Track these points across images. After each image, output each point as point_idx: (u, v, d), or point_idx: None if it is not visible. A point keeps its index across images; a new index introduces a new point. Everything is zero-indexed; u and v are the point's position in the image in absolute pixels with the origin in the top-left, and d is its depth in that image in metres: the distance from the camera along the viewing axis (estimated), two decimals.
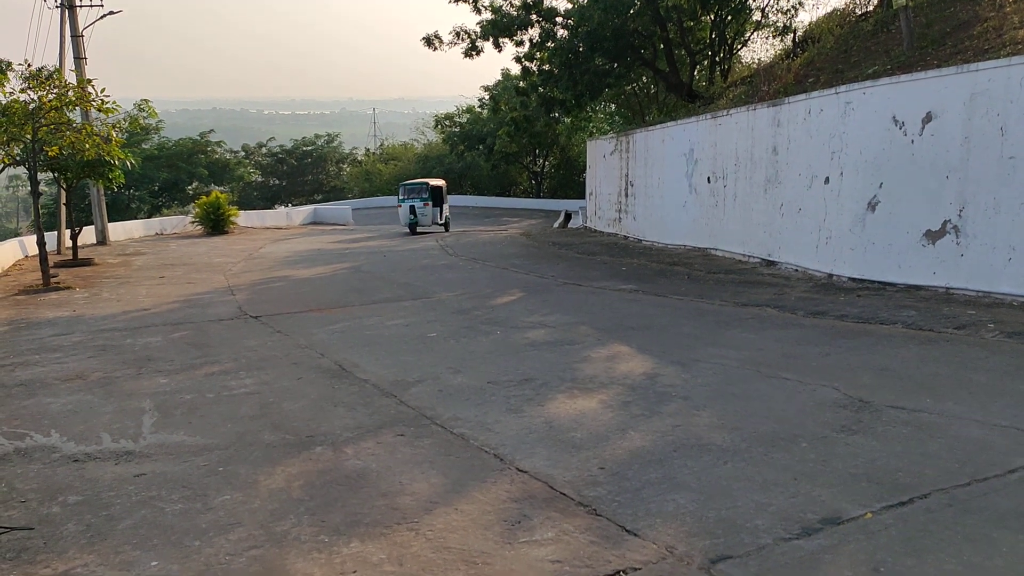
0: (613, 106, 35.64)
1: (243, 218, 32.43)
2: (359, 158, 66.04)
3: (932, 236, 10.32)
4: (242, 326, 10.71)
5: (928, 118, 10.28)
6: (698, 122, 17.49)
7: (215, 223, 29.46)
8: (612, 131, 29.86)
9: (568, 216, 30.44)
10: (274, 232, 31.03)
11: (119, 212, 37.65)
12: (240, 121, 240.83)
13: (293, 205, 49.55)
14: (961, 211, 9.90)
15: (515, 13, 22.51)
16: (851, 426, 5.39)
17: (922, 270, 10.51)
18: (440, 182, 29.31)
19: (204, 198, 31.06)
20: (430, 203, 27.51)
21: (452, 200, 49.22)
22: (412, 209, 27.19)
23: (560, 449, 5.27)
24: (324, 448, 5.48)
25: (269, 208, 46.49)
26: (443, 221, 28.40)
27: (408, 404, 6.53)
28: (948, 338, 7.98)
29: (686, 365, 7.43)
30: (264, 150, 61.76)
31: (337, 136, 65.72)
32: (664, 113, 25.17)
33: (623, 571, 3.62)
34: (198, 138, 49.78)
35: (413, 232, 27.06)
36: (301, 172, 62.06)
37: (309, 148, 62.61)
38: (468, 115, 48.89)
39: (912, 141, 10.52)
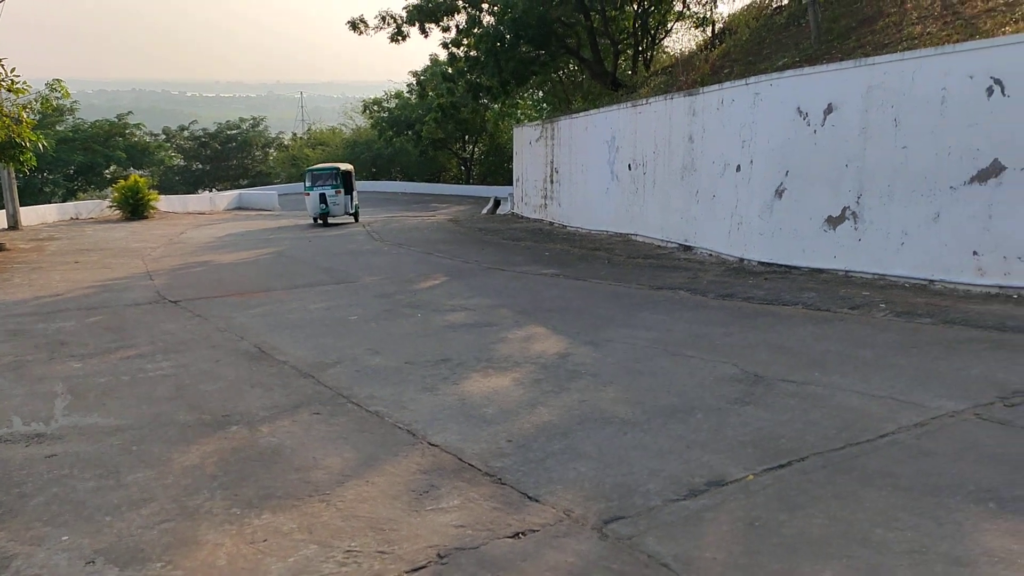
0: (540, 93, 35.91)
1: (164, 203, 31.66)
2: (286, 143, 64.94)
3: (833, 222, 10.87)
4: (160, 311, 10.61)
5: (829, 109, 10.80)
6: (620, 110, 17.87)
7: (134, 208, 28.72)
8: (539, 118, 30.14)
9: (497, 202, 30.64)
10: (197, 217, 30.41)
11: (32, 196, 36.22)
12: (161, 103, 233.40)
13: (217, 190, 48.45)
14: (859, 198, 10.45)
15: None
16: (744, 398, 5.74)
17: (824, 254, 11.06)
18: (349, 167, 27.17)
19: (122, 182, 30.22)
20: (342, 190, 25.22)
21: (381, 186, 49.01)
22: (323, 197, 24.84)
23: (471, 424, 5.48)
24: (239, 427, 5.58)
25: (192, 193, 45.37)
26: (353, 210, 26.23)
27: (325, 384, 6.65)
28: (842, 318, 8.47)
29: (598, 345, 7.72)
30: (186, 133, 60.16)
31: (263, 120, 64.46)
32: (588, 101, 25.56)
33: (522, 533, 3.85)
34: (115, 120, 48.15)
35: (324, 223, 25.01)
36: (226, 156, 60.71)
37: (234, 132, 61.24)
38: (397, 100, 48.55)
39: (815, 131, 11.04)
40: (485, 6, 22.39)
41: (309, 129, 67.02)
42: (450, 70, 25.71)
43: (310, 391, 6.49)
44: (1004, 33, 9.77)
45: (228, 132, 61.02)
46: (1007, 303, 8.44)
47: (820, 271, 11.11)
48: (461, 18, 22.97)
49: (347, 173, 25.95)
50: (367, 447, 5.13)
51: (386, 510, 4.14)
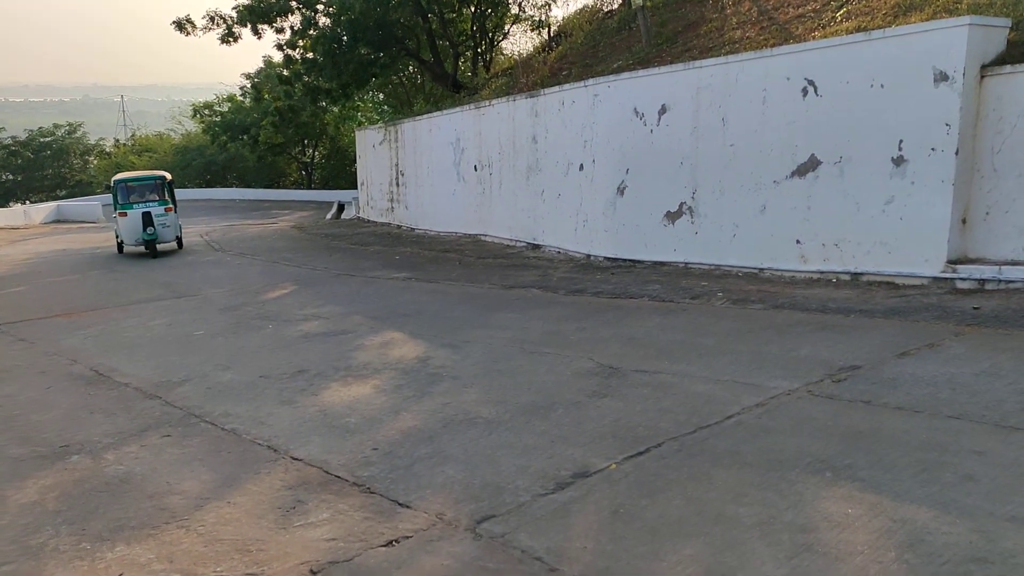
0: (381, 95, 35.58)
1: None
2: (107, 150, 60.99)
3: (672, 216, 11.44)
4: None
5: (663, 110, 11.36)
6: (463, 112, 18.01)
7: None
8: (381, 121, 29.86)
9: (341, 207, 30.10)
10: (10, 232, 28.03)
11: None
12: None
13: (32, 202, 44.82)
14: (694, 193, 11.06)
15: None
16: (601, 391, 5.96)
17: (665, 248, 11.62)
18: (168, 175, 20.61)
19: None
20: (172, 207, 19.22)
21: (217, 193, 46.92)
22: (147, 218, 18.23)
23: (334, 435, 5.38)
24: (81, 456, 5.22)
25: (2, 207, 41.73)
26: (180, 233, 20.11)
27: (174, 404, 6.33)
28: (685, 307, 8.94)
29: (456, 347, 7.77)
30: None
31: (80, 126, 60.28)
32: (431, 103, 25.59)
33: (395, 540, 3.83)
34: None
35: (153, 253, 18.43)
36: (39, 166, 56.31)
37: (48, 139, 56.94)
38: (230, 104, 46.65)
39: (651, 131, 11.58)
40: (320, 7, 21.93)
41: (133, 135, 63.19)
42: (286, 72, 24.99)
43: (157, 413, 6.16)
44: (814, 37, 10.62)
45: (41, 139, 56.73)
46: (827, 287, 9.19)
47: (663, 264, 11.66)
48: (296, 19, 22.39)
49: (171, 182, 19.99)
50: (225, 467, 4.93)
51: (252, 530, 4.01)
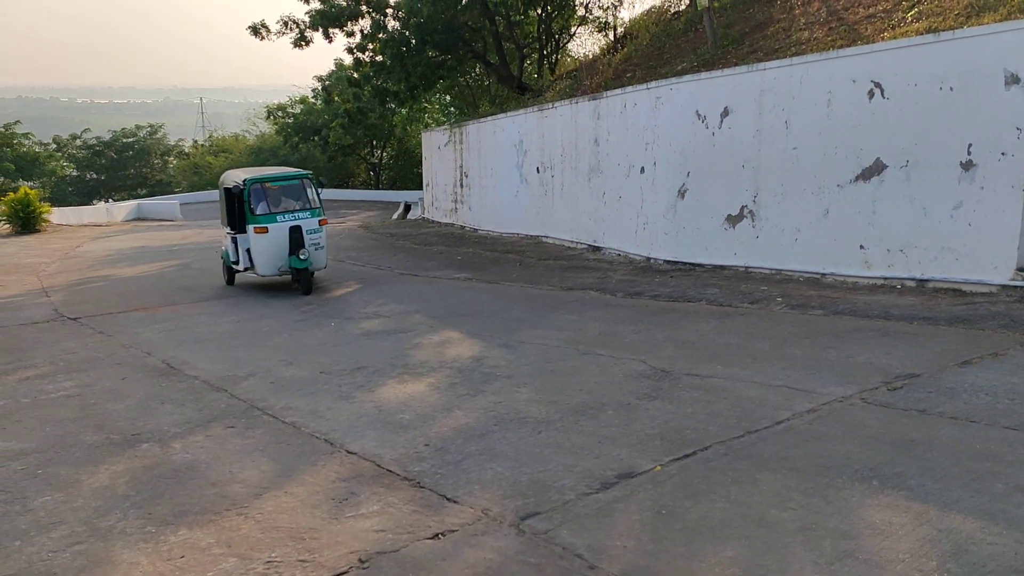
0: (448, 97, 35.96)
1: (57, 215, 30.31)
2: (186, 150, 62.99)
3: (732, 220, 11.34)
4: (59, 328, 10.24)
5: (726, 112, 11.27)
6: (526, 114, 18.13)
7: (25, 221, 27.41)
8: (447, 122, 30.21)
9: (407, 207, 30.54)
10: (93, 229, 29.25)
11: None
12: (50, 111, 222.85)
13: (114, 200, 46.67)
14: (755, 197, 10.95)
15: (344, 3, 22.32)
16: (652, 393, 5.99)
17: (725, 251, 11.52)
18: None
19: (11, 195, 28.78)
20: (326, 218, 13.17)
21: None
22: (298, 235, 12.33)
23: (388, 430, 5.55)
24: (151, 444, 5.50)
25: (87, 204, 43.58)
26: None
27: (239, 397, 6.60)
28: (743, 312, 8.87)
29: (512, 347, 7.88)
30: (79, 142, 57.67)
31: (161, 127, 62.36)
32: (496, 105, 25.76)
33: (441, 533, 3.96)
34: (1, 130, 45.85)
35: (305, 287, 12.41)
36: (122, 165, 58.46)
37: (130, 140, 59.06)
38: (302, 106, 47.74)
39: (713, 133, 11.50)
40: (390, 11, 22.31)
41: (210, 136, 65.15)
42: (356, 75, 25.47)
43: (223, 405, 6.43)
44: (883, 39, 10.40)
45: (124, 140, 58.83)
46: (891, 293, 9.00)
47: (722, 267, 11.57)
48: (366, 23, 22.80)
49: (321, 182, 14.14)
50: (284, 458, 5.14)
51: (306, 519, 4.18)
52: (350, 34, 23.17)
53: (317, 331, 9.36)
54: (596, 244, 15.09)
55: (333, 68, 38.36)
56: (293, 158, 48.07)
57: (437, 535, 3.94)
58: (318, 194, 13.10)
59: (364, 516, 4.18)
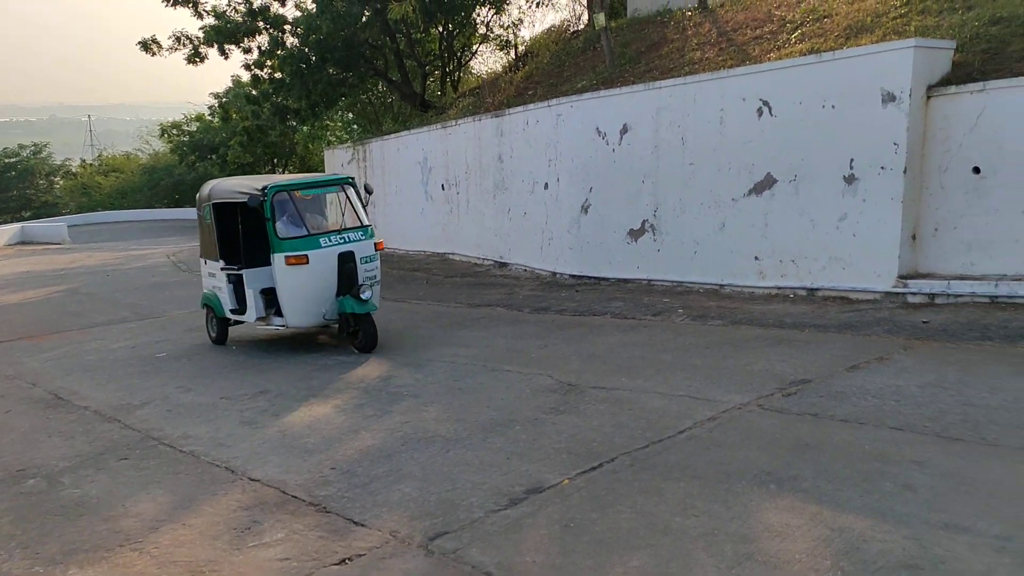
0: (350, 115, 35.61)
1: None
2: (74, 170, 60.18)
3: (634, 234, 11.60)
4: None
5: (625, 129, 11.54)
6: (430, 131, 18.12)
7: None
8: (349, 140, 29.91)
9: None
10: None
11: None
12: None
13: None
14: (656, 212, 11.23)
15: (241, 20, 21.83)
16: (559, 407, 6.04)
17: (629, 265, 11.77)
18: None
19: None
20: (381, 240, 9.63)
21: (186, 213, 46.61)
22: (348, 264, 8.71)
23: (293, 455, 5.42)
24: (37, 480, 5.21)
25: None
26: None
27: (133, 427, 6.33)
28: (646, 324, 9.07)
29: (419, 366, 7.82)
30: None
31: (46, 146, 59.46)
32: (399, 122, 25.66)
33: (348, 559, 3.88)
34: None
35: (365, 340, 8.70)
36: (4, 187, 55.47)
37: (13, 160, 56.13)
38: (198, 123, 46.35)
39: (613, 150, 11.76)
40: (288, 28, 21.95)
41: (100, 155, 62.51)
42: (255, 92, 24.95)
43: (116, 436, 6.15)
44: (769, 59, 10.88)
45: (6, 160, 55.88)
46: (784, 302, 9.37)
47: (626, 281, 11.80)
48: (263, 39, 22.34)
49: (368, 189, 10.02)
50: (182, 489, 4.95)
51: (206, 552, 4.04)
52: (247, 50, 22.68)
53: (217, 355, 9.08)
54: (503, 260, 15.17)
55: (230, 85, 37.42)
56: (190, 177, 46.63)
57: (344, 560, 3.86)
58: (364, 205, 9.47)
59: (267, 545, 4.07)
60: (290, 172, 46.59)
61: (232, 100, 34.36)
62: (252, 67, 23.26)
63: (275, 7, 22.07)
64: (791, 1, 13.27)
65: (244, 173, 44.45)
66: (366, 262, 8.87)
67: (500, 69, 23.36)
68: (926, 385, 5.71)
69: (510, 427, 5.67)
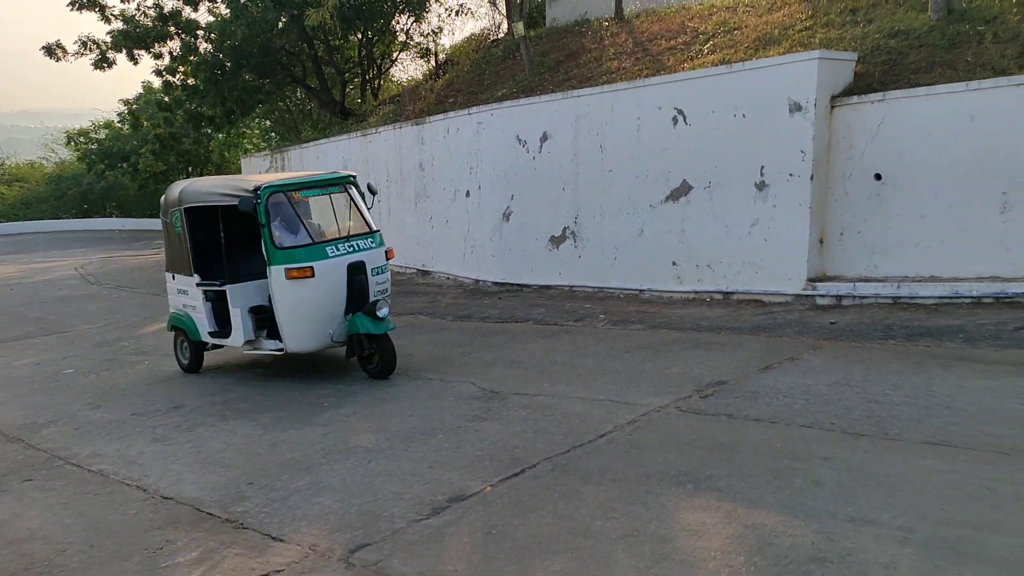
0: (268, 122, 34.97)
1: None
2: None
3: (556, 241, 11.72)
4: None
5: (545, 137, 11.66)
6: (350, 139, 17.94)
7: None
8: (267, 148, 29.36)
9: None
10: None
11: None
12: None
13: None
14: (576, 218, 11.37)
15: (151, 24, 21.22)
16: (481, 415, 6.05)
17: (550, 272, 11.87)
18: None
19: None
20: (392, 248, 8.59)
21: (95, 224, 44.91)
22: (359, 277, 7.59)
23: (208, 471, 5.28)
24: None
25: None
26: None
27: (38, 447, 6.06)
28: (568, 330, 9.16)
29: (340, 376, 7.71)
30: None
31: None
32: (318, 130, 25.35)
33: (266, 575, 3.80)
34: None
35: (382, 363, 7.48)
36: None
37: None
38: (107, 131, 44.77)
39: (533, 157, 11.86)
40: (201, 33, 21.44)
41: (2, 163, 59.72)
42: (167, 99, 24.30)
43: (20, 457, 5.88)
44: (683, 69, 11.16)
45: None
46: (701, 306, 9.60)
47: (548, 287, 11.90)
48: (175, 45, 21.80)
49: (372, 189, 8.70)
50: (91, 510, 4.76)
51: (116, 574, 3.89)
52: (158, 56, 22.08)
53: (128, 370, 8.78)
54: (425, 268, 15.11)
55: (141, 91, 36.28)
56: (99, 186, 45.04)
57: None
58: (365, 202, 8.38)
59: (181, 565, 3.95)
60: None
61: (143, 107, 33.34)
62: (164, 73, 22.68)
63: (187, 12, 21.54)
64: (703, 13, 13.65)
65: (157, 182, 43.17)
66: (377, 274, 7.78)
67: (421, 77, 23.32)
68: (834, 384, 5.93)
69: (433, 436, 5.65)
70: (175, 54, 21.82)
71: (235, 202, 7.22)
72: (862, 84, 8.92)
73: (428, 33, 24.46)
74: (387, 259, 8.08)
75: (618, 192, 10.77)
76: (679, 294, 10.15)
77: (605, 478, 4.57)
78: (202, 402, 7.09)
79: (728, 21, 12.37)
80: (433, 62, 23.34)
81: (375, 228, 8.11)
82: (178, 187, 8.50)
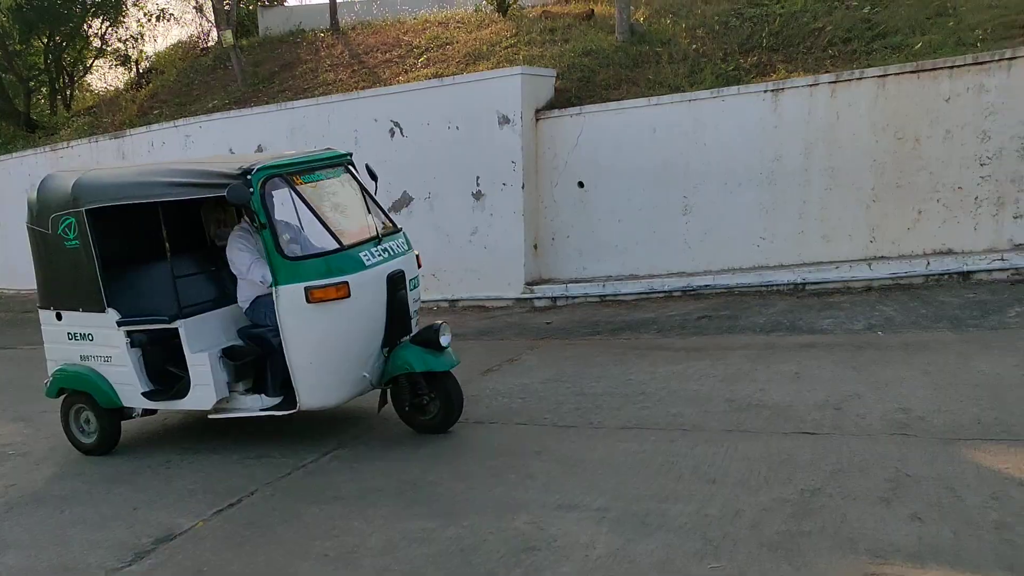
0: None
1: None
2: None
3: None
4: None
5: (259, 149, 11.20)
6: (37, 155, 15.98)
7: None
8: None
9: None
10: None
11: None
12: None
13: None
14: None
15: None
16: (195, 446, 5.65)
17: None
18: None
19: None
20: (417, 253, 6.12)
21: None
22: (400, 289, 5.38)
23: None
24: None
25: None
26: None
27: None
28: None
29: (29, 419, 6.88)
30: None
31: None
32: (0, 145, 22.46)
33: None
34: None
35: (454, 410, 5.29)
36: None
37: None
38: None
39: None
40: None
41: None
42: None
43: None
44: (399, 82, 11.30)
45: None
46: (428, 315, 9.61)
47: None
48: None
49: (373, 175, 6.19)
50: None
51: None
52: None
53: None
54: None
55: None
56: None
57: None
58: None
59: None
60: None
61: None
62: None
63: None
64: (417, 27, 13.94)
65: None
66: (413, 288, 5.69)
67: (121, 86, 21.52)
68: (547, 380, 6.27)
69: (139, 474, 5.19)
70: None
71: (214, 193, 5.00)
72: (562, 99, 9.57)
73: (127, 39, 22.63)
74: (419, 266, 5.92)
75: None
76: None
77: (326, 496, 4.46)
78: None
79: (441, 36, 12.73)
80: (135, 70, 21.66)
81: (399, 226, 5.96)
82: (67, 180, 5.67)
